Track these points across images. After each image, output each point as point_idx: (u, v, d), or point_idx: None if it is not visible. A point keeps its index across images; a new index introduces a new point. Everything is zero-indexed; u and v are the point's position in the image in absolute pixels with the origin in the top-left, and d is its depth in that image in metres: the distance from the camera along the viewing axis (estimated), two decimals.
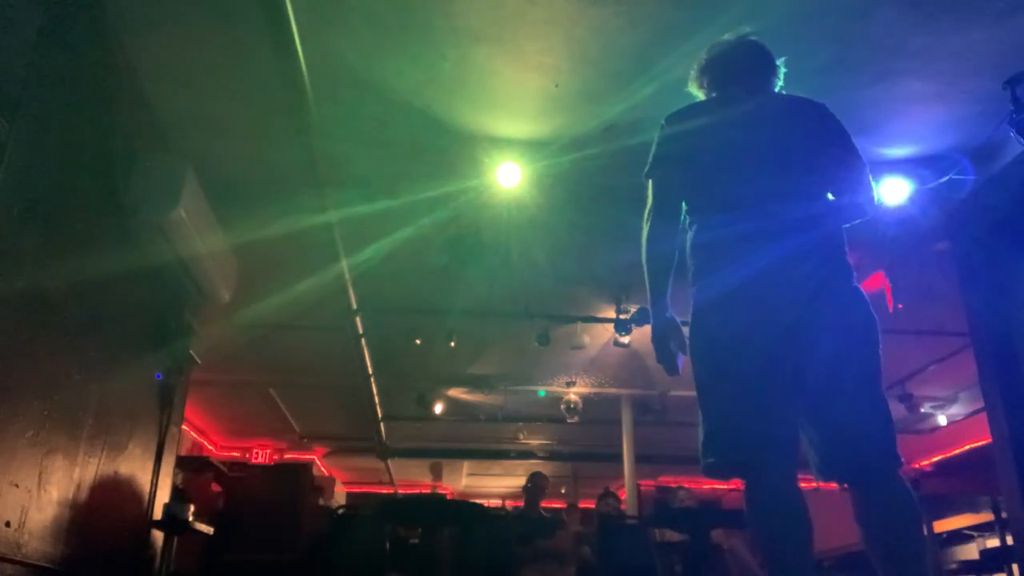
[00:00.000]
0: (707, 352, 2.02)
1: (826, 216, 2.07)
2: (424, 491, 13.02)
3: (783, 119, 2.18)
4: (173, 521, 4.01)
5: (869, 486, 1.88)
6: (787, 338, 1.90)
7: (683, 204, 2.19)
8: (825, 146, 2.13)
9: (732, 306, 1.95)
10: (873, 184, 2.15)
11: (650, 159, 2.21)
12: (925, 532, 1.90)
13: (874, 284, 4.71)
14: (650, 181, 2.20)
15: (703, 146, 2.13)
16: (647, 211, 2.18)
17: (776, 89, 2.31)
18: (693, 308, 2.07)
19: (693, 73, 2.37)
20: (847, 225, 2.09)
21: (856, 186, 2.10)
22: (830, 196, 2.14)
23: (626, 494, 8.30)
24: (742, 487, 1.98)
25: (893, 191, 4.08)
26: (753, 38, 2.32)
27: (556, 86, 3.60)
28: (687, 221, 2.19)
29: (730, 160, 2.12)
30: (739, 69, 2.28)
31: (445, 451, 10.91)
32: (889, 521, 1.83)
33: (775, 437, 1.90)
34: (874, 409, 1.91)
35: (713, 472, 1.98)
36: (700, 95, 2.37)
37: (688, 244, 2.15)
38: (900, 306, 4.65)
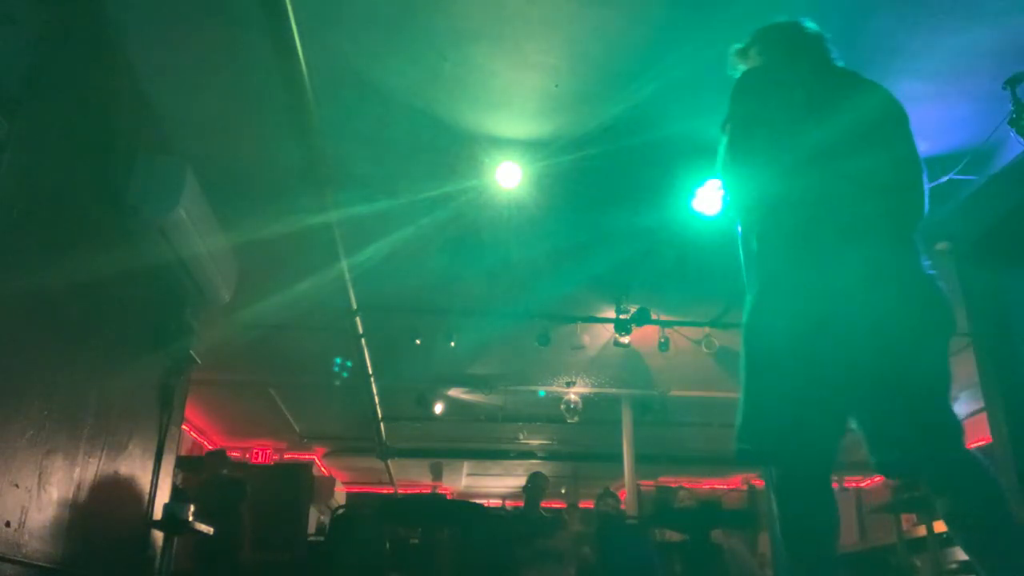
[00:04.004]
0: (767, 333, 1.94)
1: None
2: (424, 491, 13.02)
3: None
4: (173, 521, 4.00)
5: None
6: (856, 327, 1.84)
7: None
8: None
9: (807, 288, 1.90)
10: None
11: None
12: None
13: None
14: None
15: None
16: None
17: None
18: (761, 280, 2.00)
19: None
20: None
21: None
22: None
23: (626, 494, 8.30)
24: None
25: None
26: None
27: (556, 86, 3.61)
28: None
29: None
30: None
31: (445, 451, 10.91)
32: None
33: (818, 431, 1.86)
34: (932, 391, 1.86)
35: (746, 459, 1.92)
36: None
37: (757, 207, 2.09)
38: None
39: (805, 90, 2.11)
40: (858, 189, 1.97)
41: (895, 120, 2.11)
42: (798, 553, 1.84)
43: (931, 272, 1.95)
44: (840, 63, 2.26)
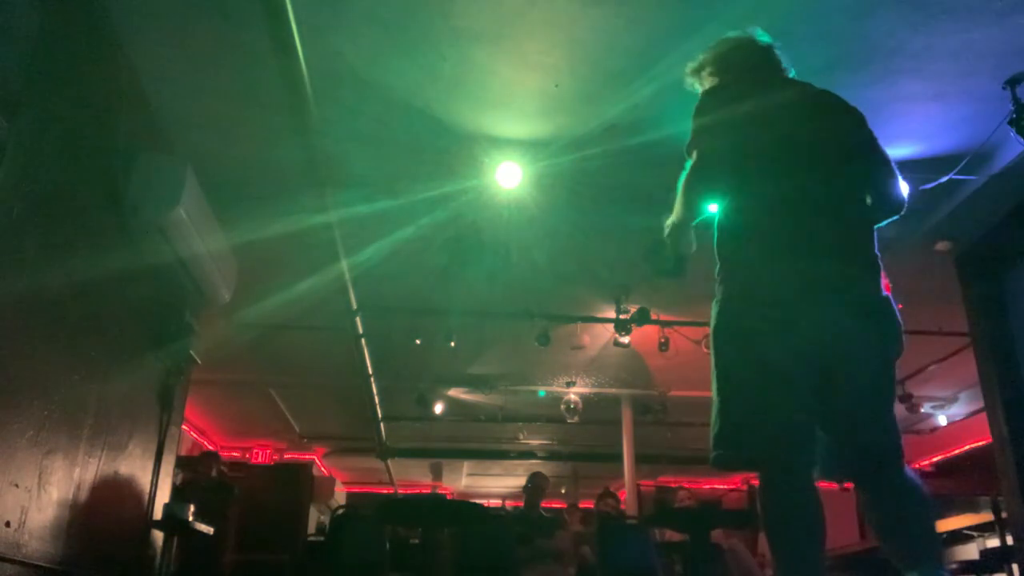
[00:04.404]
0: (736, 339, 1.99)
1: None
2: (424, 491, 13.02)
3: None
4: (173, 521, 4.00)
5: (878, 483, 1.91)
6: (813, 338, 1.91)
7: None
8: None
9: (768, 297, 1.95)
10: None
11: None
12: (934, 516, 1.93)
13: None
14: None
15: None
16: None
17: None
18: (726, 289, 2.05)
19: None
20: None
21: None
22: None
23: (626, 494, 8.30)
24: (753, 483, 1.99)
25: None
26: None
27: (556, 86, 3.60)
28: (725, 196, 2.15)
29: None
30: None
31: (445, 451, 10.91)
32: (902, 514, 1.86)
33: (796, 434, 1.90)
34: (879, 408, 1.94)
35: (723, 465, 1.97)
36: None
37: (723, 221, 2.13)
38: (900, 306, 4.66)
39: (761, 105, 2.14)
40: (820, 198, 2.02)
41: (854, 125, 2.15)
42: (785, 559, 1.86)
43: (886, 294, 2.01)
44: (792, 73, 2.30)
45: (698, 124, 2.17)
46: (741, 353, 1.96)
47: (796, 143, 2.09)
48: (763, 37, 2.31)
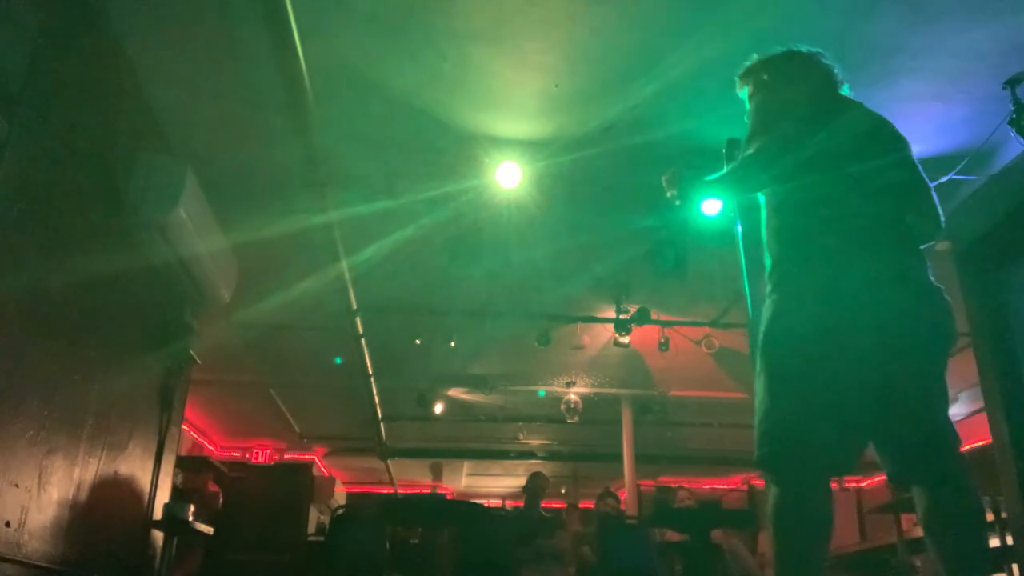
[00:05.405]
0: (791, 341, 2.00)
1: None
2: (424, 491, 13.02)
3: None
4: (173, 521, 4.01)
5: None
6: (870, 339, 1.92)
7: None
8: None
9: (827, 300, 1.96)
10: None
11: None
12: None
13: None
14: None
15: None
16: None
17: None
18: (781, 292, 2.06)
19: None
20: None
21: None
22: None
23: (626, 494, 8.30)
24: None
25: None
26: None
27: (556, 86, 3.60)
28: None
29: None
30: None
31: (445, 451, 10.91)
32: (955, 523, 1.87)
33: (839, 439, 1.92)
34: (936, 405, 1.96)
35: (768, 464, 1.97)
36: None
37: (775, 222, 2.15)
38: None
39: (820, 115, 2.19)
40: (869, 205, 2.05)
41: (902, 148, 2.22)
42: (789, 557, 1.86)
43: (939, 285, 2.03)
44: (846, 90, 2.34)
45: (766, 116, 2.23)
46: (796, 355, 1.97)
47: (850, 156, 2.12)
48: (827, 62, 2.35)
